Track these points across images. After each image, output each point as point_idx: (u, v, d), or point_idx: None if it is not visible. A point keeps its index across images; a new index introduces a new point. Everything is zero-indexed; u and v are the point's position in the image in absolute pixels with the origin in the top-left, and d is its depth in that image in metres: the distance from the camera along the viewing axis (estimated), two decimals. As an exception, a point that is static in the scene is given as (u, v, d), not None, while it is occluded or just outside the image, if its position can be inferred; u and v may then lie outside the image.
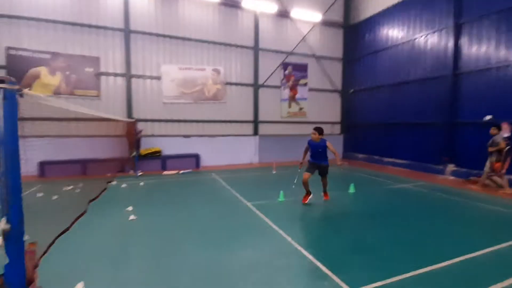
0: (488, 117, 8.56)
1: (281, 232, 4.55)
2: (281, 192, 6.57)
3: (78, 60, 10.10)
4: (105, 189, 3.94)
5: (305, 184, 6.09)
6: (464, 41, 9.39)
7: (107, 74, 10.53)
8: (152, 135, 11.17)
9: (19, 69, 9.31)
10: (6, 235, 1.35)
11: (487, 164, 7.64)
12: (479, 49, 8.96)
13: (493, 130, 7.56)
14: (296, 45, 13.60)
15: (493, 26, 8.54)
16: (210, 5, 11.92)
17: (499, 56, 8.41)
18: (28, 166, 7.76)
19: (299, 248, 3.96)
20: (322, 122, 14.61)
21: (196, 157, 11.40)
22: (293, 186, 6.94)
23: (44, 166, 9.33)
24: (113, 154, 9.67)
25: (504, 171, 7.43)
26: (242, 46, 12.54)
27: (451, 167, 9.64)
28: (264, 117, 13.24)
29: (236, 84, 12.61)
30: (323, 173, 6.28)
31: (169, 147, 11.27)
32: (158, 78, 11.26)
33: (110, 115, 10.18)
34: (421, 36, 10.80)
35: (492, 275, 3.25)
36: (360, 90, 14.16)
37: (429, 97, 10.56)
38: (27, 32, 9.40)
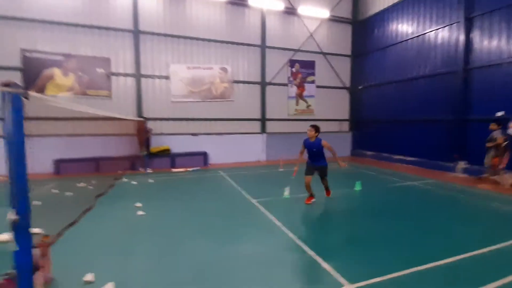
0: (500, 113, 8.32)
1: (284, 228, 4.63)
2: (286, 189, 6.63)
3: (89, 61, 10.43)
4: (112, 185, 4.10)
5: (308, 187, 5.91)
6: (475, 35, 9.14)
7: (117, 74, 10.82)
8: (161, 134, 11.43)
9: (34, 70, 9.71)
10: (15, 225, 1.49)
11: (486, 160, 7.75)
12: (491, 43, 8.71)
13: (492, 126, 7.62)
14: (303, 42, 13.54)
15: (505, 20, 8.28)
16: (217, 4, 12.03)
17: (512, 50, 8.17)
18: (44, 164, 8.18)
19: (301, 243, 4.03)
20: (330, 119, 14.55)
21: (204, 155, 11.59)
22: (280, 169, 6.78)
23: (59, 164, 9.71)
24: (124, 152, 9.98)
25: (502, 166, 7.42)
26: (249, 44, 12.60)
27: (462, 164, 9.44)
28: (271, 115, 13.29)
29: (243, 82, 12.71)
30: (322, 174, 6.02)
31: (178, 145, 11.51)
32: (167, 77, 11.48)
33: (122, 114, 10.50)
34: (431, 31, 10.56)
35: (493, 273, 3.23)
36: (368, 86, 13.99)
37: (439, 93, 10.34)
38: (41, 35, 9.77)
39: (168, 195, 6.96)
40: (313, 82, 14.00)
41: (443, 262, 3.46)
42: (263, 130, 13.17)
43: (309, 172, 5.87)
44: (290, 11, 13.09)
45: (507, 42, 8.27)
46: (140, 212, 5.38)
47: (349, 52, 14.73)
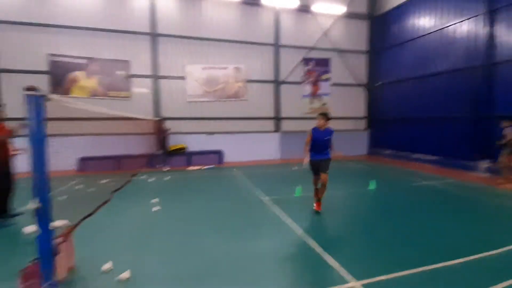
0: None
1: (294, 225, 4.70)
2: (298, 187, 6.67)
3: (110, 64, 10.96)
4: (129, 181, 4.36)
5: (317, 186, 5.33)
6: (498, 28, 8.70)
7: (136, 76, 11.29)
8: (178, 132, 11.79)
9: (60, 74, 10.36)
10: (37, 212, 1.70)
11: (500, 159, 7.51)
12: (516, 36, 8.26)
13: (505, 123, 7.34)
14: (318, 40, 13.43)
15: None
16: (231, 5, 12.22)
17: (540, 42, 7.71)
18: (69, 161, 8.71)
19: (310, 240, 4.08)
20: (346, 117, 14.36)
21: (219, 153, 11.83)
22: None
23: (83, 162, 10.31)
24: (144, 150, 10.41)
25: None
26: (262, 44, 12.70)
27: (484, 163, 9.03)
28: (285, 113, 13.32)
29: (257, 81, 12.82)
30: (325, 167, 5.11)
31: (194, 144, 11.83)
32: (183, 78, 11.83)
33: (140, 114, 10.94)
34: (451, 25, 10.15)
35: (504, 274, 3.14)
36: (386, 83, 13.65)
37: (460, 89, 9.93)
38: (65, 40, 10.40)
39: (183, 192, 7.22)
40: (328, 80, 13.86)
41: (454, 262, 3.39)
42: (277, 128, 13.22)
43: (316, 172, 5.26)
44: (304, 9, 13.02)
45: (534, 34, 7.82)
46: (156, 208, 5.65)
47: (365, 49, 14.44)
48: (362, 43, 14.38)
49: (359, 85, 14.53)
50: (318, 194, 5.37)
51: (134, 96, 11.34)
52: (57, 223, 4.24)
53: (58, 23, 10.22)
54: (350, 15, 13.80)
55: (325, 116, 5.15)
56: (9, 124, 4.86)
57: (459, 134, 10.03)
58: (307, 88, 13.58)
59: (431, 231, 4.47)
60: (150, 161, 10.49)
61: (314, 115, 13.36)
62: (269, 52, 12.87)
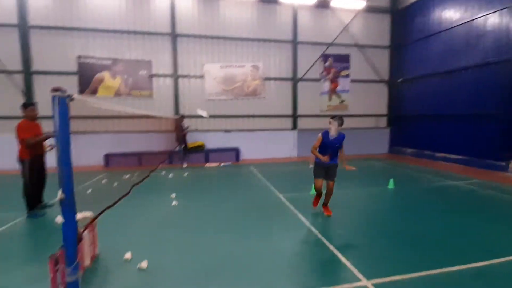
0: None
1: (307, 222, 4.72)
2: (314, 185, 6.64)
3: (133, 64, 11.41)
4: (147, 176, 4.59)
5: (319, 191, 5.09)
6: (533, 18, 8.10)
7: (157, 75, 11.69)
8: (197, 130, 12.09)
9: (88, 74, 10.94)
10: (62, 202, 1.87)
11: None
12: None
13: None
14: (337, 36, 13.17)
15: None
16: (249, 3, 12.27)
17: None
18: (96, 157, 9.29)
19: (322, 238, 4.09)
20: (366, 114, 14.01)
21: (236, 151, 11.99)
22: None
23: (108, 158, 10.85)
24: (164, 147, 10.82)
25: None
26: (280, 41, 12.65)
27: (515, 163, 8.50)
28: (303, 111, 13.22)
29: (274, 79, 12.82)
30: (332, 175, 4.90)
31: (212, 141, 12.07)
32: (201, 76, 12.08)
33: (162, 112, 11.38)
34: (480, 17, 9.57)
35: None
36: (409, 79, 13.13)
37: (490, 85, 9.37)
38: (93, 42, 10.96)
39: (201, 187, 7.43)
40: (347, 76, 13.57)
41: (473, 266, 3.28)
42: (295, 126, 13.16)
43: (319, 173, 4.95)
44: (323, 5, 12.81)
45: None
46: (175, 202, 5.88)
47: (387, 43, 13.96)
48: (383, 38, 13.92)
49: (380, 81, 14.10)
50: (318, 201, 5.21)
51: (156, 95, 11.74)
52: (81, 215, 4.56)
53: (86, 27, 10.79)
54: (371, 9, 13.40)
55: (339, 120, 4.56)
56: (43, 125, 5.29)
57: (488, 132, 9.48)
58: (326, 85, 13.38)
59: (452, 232, 4.32)
60: (169, 158, 10.88)
61: (333, 113, 13.30)
62: (286, 49, 12.81)
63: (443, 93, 11.26)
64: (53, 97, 1.84)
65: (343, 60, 13.45)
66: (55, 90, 1.80)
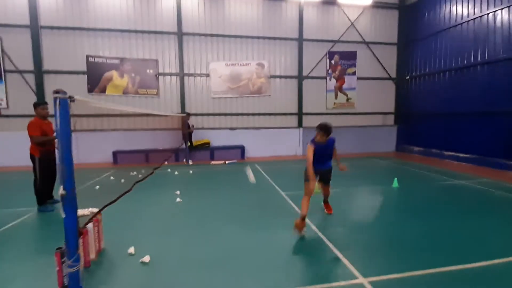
0: None
1: (308, 221, 4.75)
2: (317, 184, 6.65)
3: (140, 63, 11.60)
4: (151, 173, 4.71)
5: (309, 199, 4.38)
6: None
7: (164, 74, 11.85)
8: (202, 128, 12.22)
9: (96, 73, 11.19)
10: (63, 198, 1.98)
11: None
12: None
13: None
14: (344, 33, 13.05)
15: None
16: (254, 1, 12.26)
17: None
18: (105, 154, 9.55)
19: (321, 235, 4.13)
20: (373, 112, 13.86)
21: (241, 149, 12.08)
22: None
23: (116, 155, 11.10)
24: (170, 145, 11.01)
25: None
26: (286, 38, 12.62)
27: (526, 162, 8.30)
28: (308, 109, 13.18)
29: (280, 76, 12.81)
30: (327, 179, 4.88)
31: (217, 139, 12.19)
32: (207, 75, 12.18)
33: (168, 111, 11.57)
34: (490, 12, 9.32)
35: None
36: (417, 76, 12.93)
37: (501, 82, 9.14)
38: (101, 41, 11.19)
39: (205, 185, 7.55)
40: (354, 73, 13.44)
41: (473, 266, 3.26)
42: (300, 124, 13.14)
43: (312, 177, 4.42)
44: (329, 1, 12.69)
45: None
46: (179, 199, 6.00)
47: (395, 40, 13.74)
48: (391, 34, 13.70)
49: (387, 78, 13.91)
50: (305, 207, 4.38)
51: (162, 94, 11.92)
52: (88, 211, 4.72)
53: (95, 27, 11.01)
54: (378, 5, 13.20)
55: (325, 131, 4.35)
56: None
57: (499, 131, 9.26)
58: (332, 83, 13.29)
59: (455, 231, 4.27)
60: (175, 155, 11.05)
61: (339, 110, 13.21)
62: (292, 47, 12.77)
63: (452, 91, 11.04)
64: (54, 99, 1.94)
65: (350, 57, 13.32)
66: (56, 92, 1.90)
